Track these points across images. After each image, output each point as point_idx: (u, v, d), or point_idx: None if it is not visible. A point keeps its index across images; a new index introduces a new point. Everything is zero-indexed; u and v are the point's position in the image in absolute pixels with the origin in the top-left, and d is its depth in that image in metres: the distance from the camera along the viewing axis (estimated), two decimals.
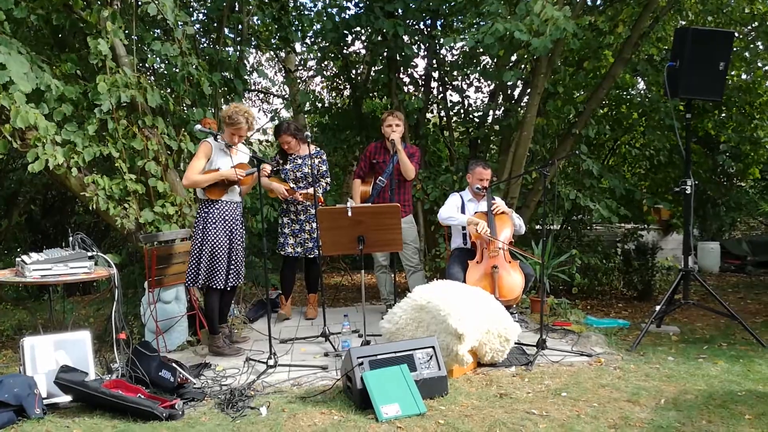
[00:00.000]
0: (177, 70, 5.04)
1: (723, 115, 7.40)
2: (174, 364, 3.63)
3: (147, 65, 5.67)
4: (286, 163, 5.16)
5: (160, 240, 4.67)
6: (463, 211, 5.00)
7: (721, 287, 7.08)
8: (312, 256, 5.19)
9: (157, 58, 5.33)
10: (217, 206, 4.24)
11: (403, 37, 6.21)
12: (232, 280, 4.31)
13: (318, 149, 5.26)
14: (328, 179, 5.25)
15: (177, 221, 4.92)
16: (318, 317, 5.17)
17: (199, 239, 4.20)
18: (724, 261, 8.46)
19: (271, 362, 3.89)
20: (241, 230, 4.37)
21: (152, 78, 5.48)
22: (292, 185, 5.07)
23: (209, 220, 4.21)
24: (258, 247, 6.16)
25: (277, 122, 6.72)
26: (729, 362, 3.98)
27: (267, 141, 8.49)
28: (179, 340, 4.63)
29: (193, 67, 5.11)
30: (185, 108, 5.34)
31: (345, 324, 4.35)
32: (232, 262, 4.30)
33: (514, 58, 6.55)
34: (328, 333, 4.51)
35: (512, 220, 4.91)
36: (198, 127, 4.18)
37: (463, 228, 4.94)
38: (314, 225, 5.11)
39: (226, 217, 4.28)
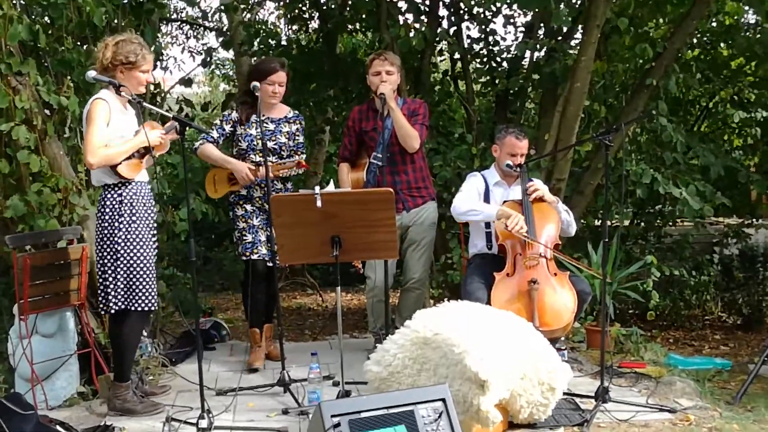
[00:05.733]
0: None
1: None
2: (59, 428, 3.60)
3: None
4: (243, 126, 5.11)
5: (36, 242, 4.63)
6: (487, 198, 5.01)
7: None
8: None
9: None
10: (133, 189, 4.24)
11: None
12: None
13: (296, 112, 5.35)
14: (304, 155, 5.26)
15: (61, 214, 4.88)
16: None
17: (114, 241, 4.17)
18: None
19: (203, 423, 3.87)
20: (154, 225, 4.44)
21: (22, 2, 5.43)
22: (257, 159, 4.98)
23: (125, 211, 4.19)
24: (183, 253, 6.13)
25: (214, 66, 6.65)
26: None
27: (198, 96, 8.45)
28: (66, 392, 4.61)
29: None
30: (69, 47, 5.28)
31: (313, 366, 4.35)
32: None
33: None
34: (287, 380, 4.51)
35: (558, 212, 4.92)
36: (92, 74, 4.13)
37: (488, 225, 4.95)
38: None
39: (146, 204, 4.32)
